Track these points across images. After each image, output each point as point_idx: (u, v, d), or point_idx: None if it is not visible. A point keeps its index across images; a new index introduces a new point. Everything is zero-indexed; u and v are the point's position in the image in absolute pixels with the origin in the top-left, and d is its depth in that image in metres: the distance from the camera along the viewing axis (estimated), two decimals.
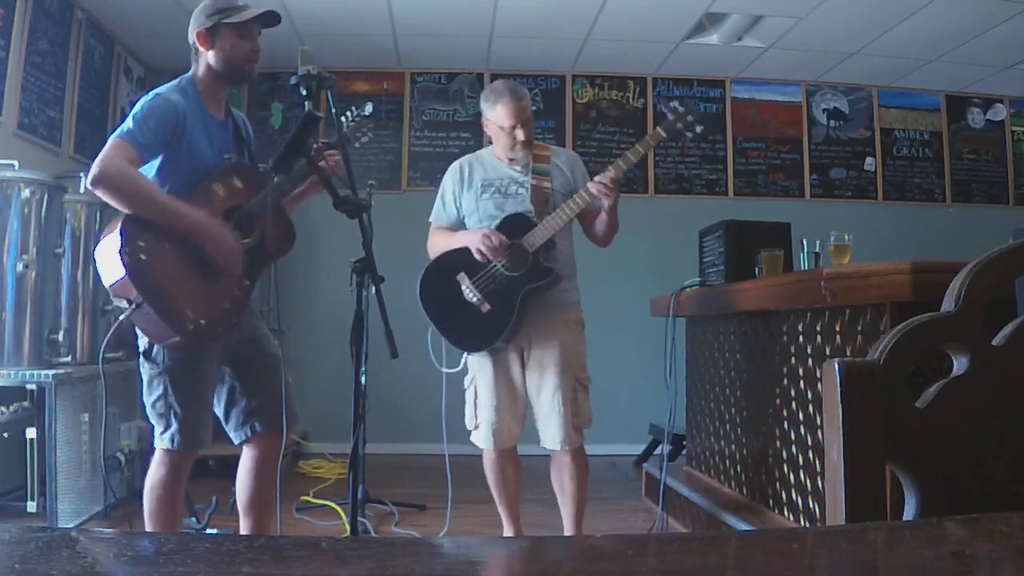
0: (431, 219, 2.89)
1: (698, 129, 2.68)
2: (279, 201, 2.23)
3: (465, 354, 2.78)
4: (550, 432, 2.67)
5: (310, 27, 4.63)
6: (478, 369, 2.75)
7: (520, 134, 2.68)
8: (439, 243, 2.81)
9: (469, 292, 2.66)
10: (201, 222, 2.05)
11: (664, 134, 2.67)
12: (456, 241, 2.73)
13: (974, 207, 5.70)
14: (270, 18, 2.21)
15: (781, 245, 3.04)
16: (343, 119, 2.34)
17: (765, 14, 4.57)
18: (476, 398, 2.75)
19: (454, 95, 5.57)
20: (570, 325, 2.73)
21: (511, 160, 2.76)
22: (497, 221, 2.68)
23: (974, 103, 5.80)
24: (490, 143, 2.86)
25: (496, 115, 2.70)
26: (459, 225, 2.81)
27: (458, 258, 2.69)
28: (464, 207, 2.79)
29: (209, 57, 2.18)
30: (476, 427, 2.76)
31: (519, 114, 2.67)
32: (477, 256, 2.63)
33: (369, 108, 2.50)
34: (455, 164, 2.86)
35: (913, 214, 5.66)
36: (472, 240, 2.65)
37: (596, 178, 2.57)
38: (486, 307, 2.64)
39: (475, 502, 3.05)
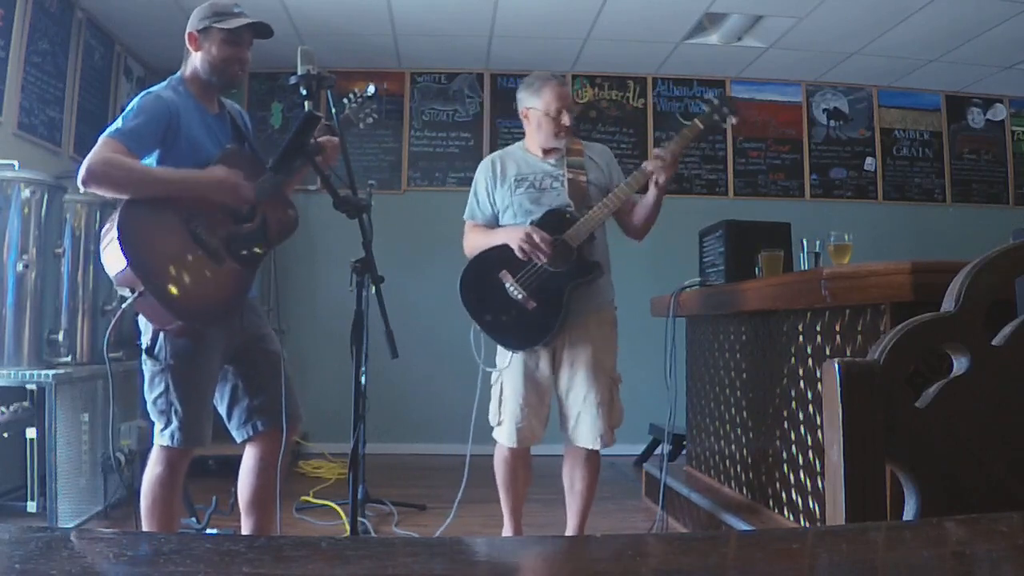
0: (465, 217, 2.83)
1: (733, 121, 2.70)
2: (279, 187, 2.24)
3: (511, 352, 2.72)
4: (584, 431, 2.65)
5: (310, 27, 4.63)
6: (506, 366, 2.71)
7: (566, 118, 2.67)
8: (477, 241, 2.75)
9: (513, 289, 2.61)
10: (198, 175, 2.07)
11: (701, 126, 2.66)
12: (496, 238, 2.68)
13: (974, 207, 5.70)
14: (262, 28, 2.22)
15: (781, 245, 3.04)
16: (345, 102, 2.33)
17: (765, 14, 4.57)
18: (501, 394, 2.71)
19: (454, 95, 5.57)
20: (604, 325, 2.71)
21: (545, 153, 2.73)
22: (536, 216, 2.64)
23: (974, 103, 5.80)
24: (511, 141, 2.85)
25: (542, 101, 2.67)
26: (494, 222, 2.76)
27: (499, 255, 2.64)
28: (498, 202, 2.74)
29: (196, 59, 2.20)
30: (499, 423, 2.71)
31: (564, 98, 2.67)
32: (519, 254, 2.59)
33: (371, 89, 2.49)
34: (486, 160, 2.82)
35: (913, 214, 5.66)
36: (513, 237, 2.60)
37: (656, 151, 2.57)
38: (531, 304, 2.60)
39: (475, 501, 3.05)
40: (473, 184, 2.83)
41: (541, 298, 2.60)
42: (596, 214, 2.59)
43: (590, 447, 2.66)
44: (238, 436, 2.29)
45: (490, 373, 2.75)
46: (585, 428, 2.65)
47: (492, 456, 2.78)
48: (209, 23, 2.16)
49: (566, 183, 2.67)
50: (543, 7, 4.50)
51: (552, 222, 2.62)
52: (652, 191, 2.63)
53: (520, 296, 2.61)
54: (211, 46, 2.17)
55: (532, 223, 2.62)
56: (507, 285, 2.63)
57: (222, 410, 2.28)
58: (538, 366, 2.68)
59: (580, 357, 2.65)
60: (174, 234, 2.05)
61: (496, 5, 4.48)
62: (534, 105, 2.70)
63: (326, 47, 4.84)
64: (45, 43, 3.97)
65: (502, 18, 4.65)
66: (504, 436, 2.71)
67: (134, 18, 4.49)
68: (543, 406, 2.71)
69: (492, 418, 2.74)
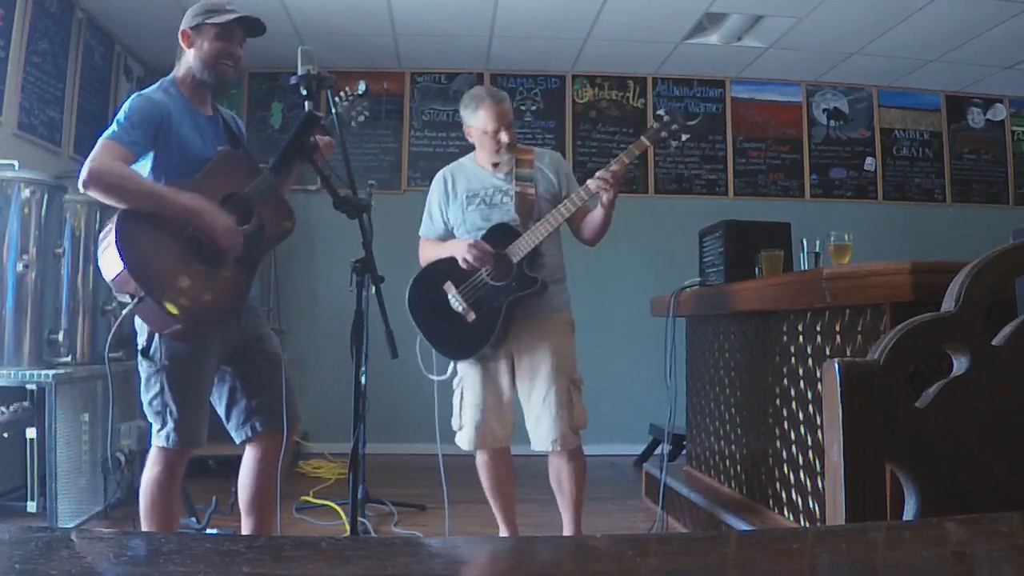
0: (420, 233, 2.88)
1: (684, 138, 2.68)
2: (275, 188, 2.24)
3: (452, 361, 2.78)
4: (541, 434, 2.67)
5: (310, 27, 4.62)
6: (465, 372, 2.76)
7: (504, 136, 2.68)
8: (429, 254, 2.82)
9: (455, 301, 2.67)
10: (195, 205, 2.06)
11: (648, 143, 2.66)
12: (444, 251, 2.73)
13: (974, 207, 5.70)
14: (254, 24, 2.22)
15: (781, 245, 3.04)
16: (336, 100, 2.34)
17: (765, 14, 4.57)
18: (462, 400, 2.76)
19: (454, 95, 5.56)
20: (559, 326, 2.72)
21: (495, 166, 2.75)
22: (483, 232, 2.68)
23: (974, 103, 5.80)
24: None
25: (478, 120, 2.69)
26: (448, 237, 2.80)
27: (445, 268, 2.69)
28: (451, 218, 2.79)
29: (189, 57, 2.21)
30: (460, 428, 2.76)
31: (501, 117, 2.67)
32: (463, 265, 2.64)
33: (362, 87, 2.50)
34: (438, 176, 2.86)
35: (913, 214, 5.66)
36: (458, 249, 2.65)
37: (598, 174, 2.55)
38: (471, 316, 2.65)
39: (473, 502, 3.05)
40: (427, 200, 2.87)
41: (480, 311, 2.64)
42: (538, 230, 2.61)
43: (548, 450, 2.68)
44: (237, 437, 2.29)
45: (435, 381, 2.79)
46: (543, 431, 2.66)
47: (470, 456, 2.81)
48: (202, 20, 2.18)
49: (514, 197, 2.69)
50: (543, 7, 4.50)
51: (498, 236, 2.66)
52: (599, 210, 2.66)
53: (461, 308, 2.66)
54: (203, 42, 2.18)
55: (480, 237, 2.66)
56: (449, 297, 2.68)
57: (221, 411, 2.29)
58: (499, 371, 2.72)
59: (538, 362, 2.67)
60: (172, 237, 2.05)
61: (496, 5, 4.48)
62: (473, 124, 2.73)
63: (326, 47, 4.84)
64: (45, 43, 3.97)
65: (502, 18, 4.65)
66: (464, 440, 2.75)
67: (134, 18, 4.49)
68: (504, 411, 2.74)
69: (454, 423, 2.78)
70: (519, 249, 2.62)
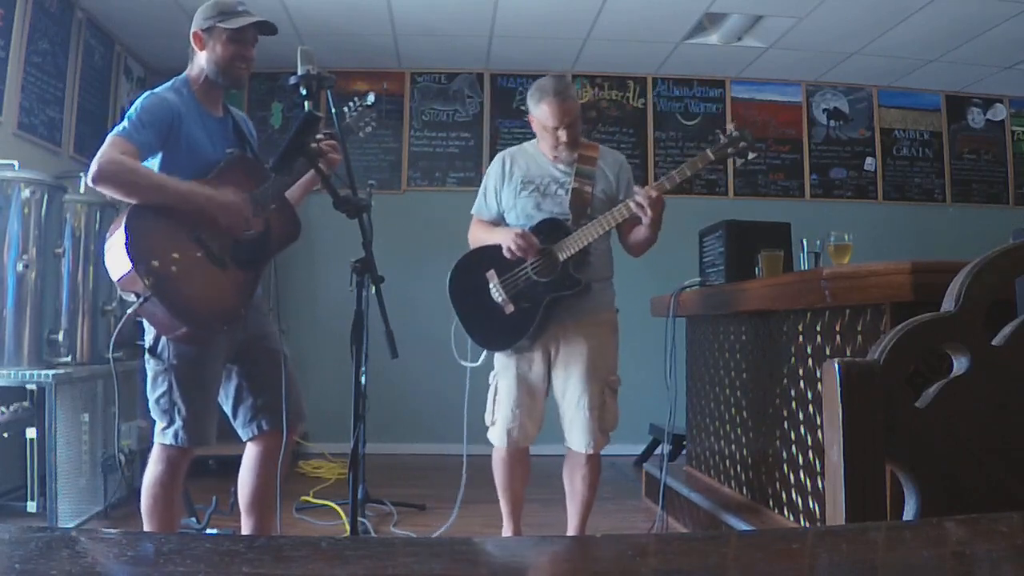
0: (472, 211, 2.85)
1: (751, 156, 2.57)
2: (282, 192, 2.24)
3: (485, 351, 2.75)
4: (576, 435, 2.66)
5: (310, 27, 4.63)
6: (502, 367, 2.72)
7: (563, 135, 2.63)
8: (478, 236, 2.77)
9: (495, 291, 2.63)
10: (203, 191, 2.08)
11: (712, 157, 2.56)
12: (492, 237, 2.69)
13: (974, 207, 5.70)
14: (265, 27, 2.23)
15: (781, 245, 3.04)
16: (345, 110, 2.34)
17: (765, 14, 4.57)
18: (496, 395, 2.72)
19: (454, 95, 5.57)
20: (601, 327, 2.70)
21: (555, 157, 2.71)
22: (533, 222, 2.64)
23: (974, 103, 5.80)
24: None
25: (540, 113, 2.65)
26: (500, 219, 2.77)
27: (491, 255, 2.64)
28: (504, 202, 2.75)
29: (201, 58, 2.21)
30: (493, 423, 2.73)
31: (564, 115, 2.62)
32: (507, 254, 2.59)
33: (371, 98, 2.50)
34: (498, 156, 2.82)
35: (913, 214, 5.65)
36: (505, 238, 2.61)
37: (638, 195, 2.49)
38: (509, 308, 2.61)
39: (475, 502, 3.05)
40: (484, 179, 2.85)
41: (519, 304, 2.61)
42: (588, 231, 2.57)
43: (582, 451, 2.67)
44: (243, 435, 2.30)
45: (469, 368, 2.74)
46: (578, 432, 2.65)
47: (490, 455, 2.79)
48: (214, 22, 2.17)
49: (570, 192, 2.66)
50: (543, 7, 4.50)
51: (547, 230, 2.62)
52: (643, 227, 2.59)
53: (500, 299, 2.63)
54: (216, 45, 2.18)
55: (529, 228, 2.62)
56: (491, 285, 2.65)
57: (227, 408, 2.29)
58: (531, 368, 2.69)
59: (575, 361, 2.65)
60: (180, 239, 2.05)
61: (496, 5, 4.48)
62: (535, 115, 2.70)
63: (326, 47, 4.84)
64: (45, 43, 3.97)
65: (502, 18, 4.65)
66: (496, 437, 2.72)
67: (134, 18, 4.49)
68: (536, 408, 2.71)
69: (487, 418, 2.75)
70: (567, 247, 2.58)
